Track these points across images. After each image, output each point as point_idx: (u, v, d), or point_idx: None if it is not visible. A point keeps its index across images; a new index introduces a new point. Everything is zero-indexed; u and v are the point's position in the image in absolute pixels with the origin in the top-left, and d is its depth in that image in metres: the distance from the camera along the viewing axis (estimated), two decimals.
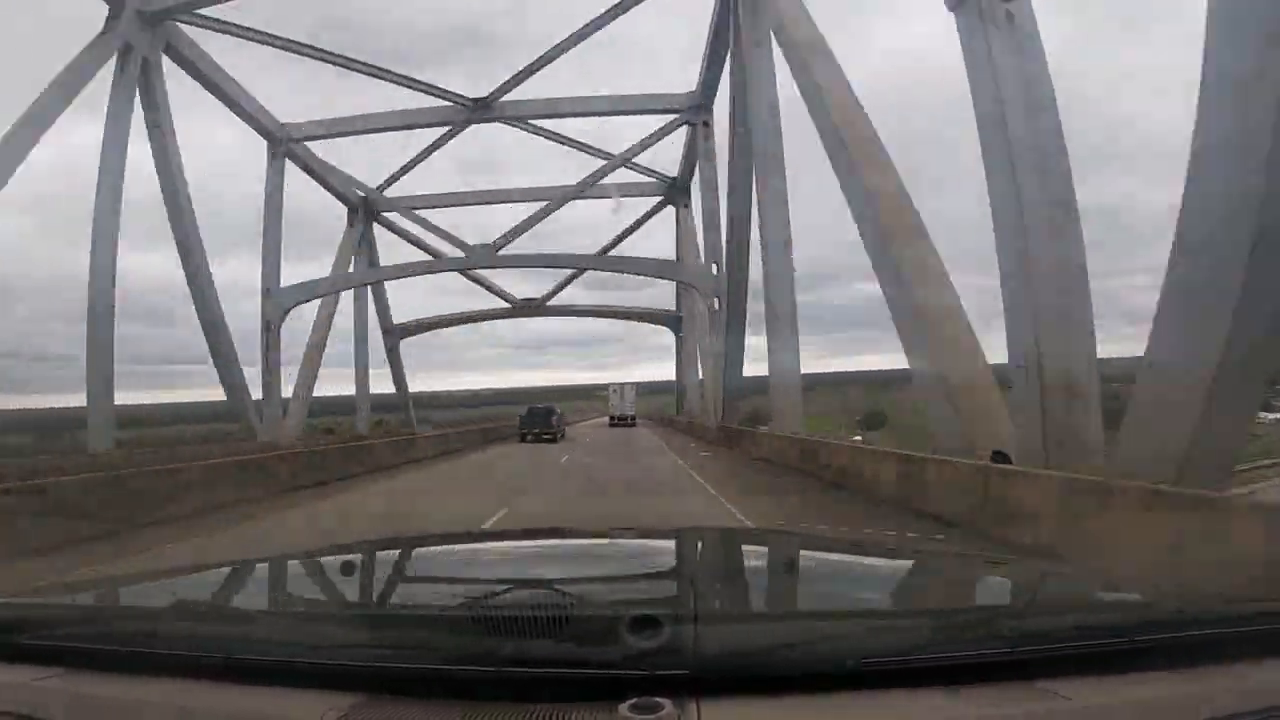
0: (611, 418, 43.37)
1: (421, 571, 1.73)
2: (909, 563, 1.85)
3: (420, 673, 0.97)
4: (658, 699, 0.87)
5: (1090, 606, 1.31)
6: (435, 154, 26.74)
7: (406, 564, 1.83)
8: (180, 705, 0.97)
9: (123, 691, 1.01)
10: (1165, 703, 0.92)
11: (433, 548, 2.05)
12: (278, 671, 1.00)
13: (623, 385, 44.39)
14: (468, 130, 25.64)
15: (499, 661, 0.94)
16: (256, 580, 1.69)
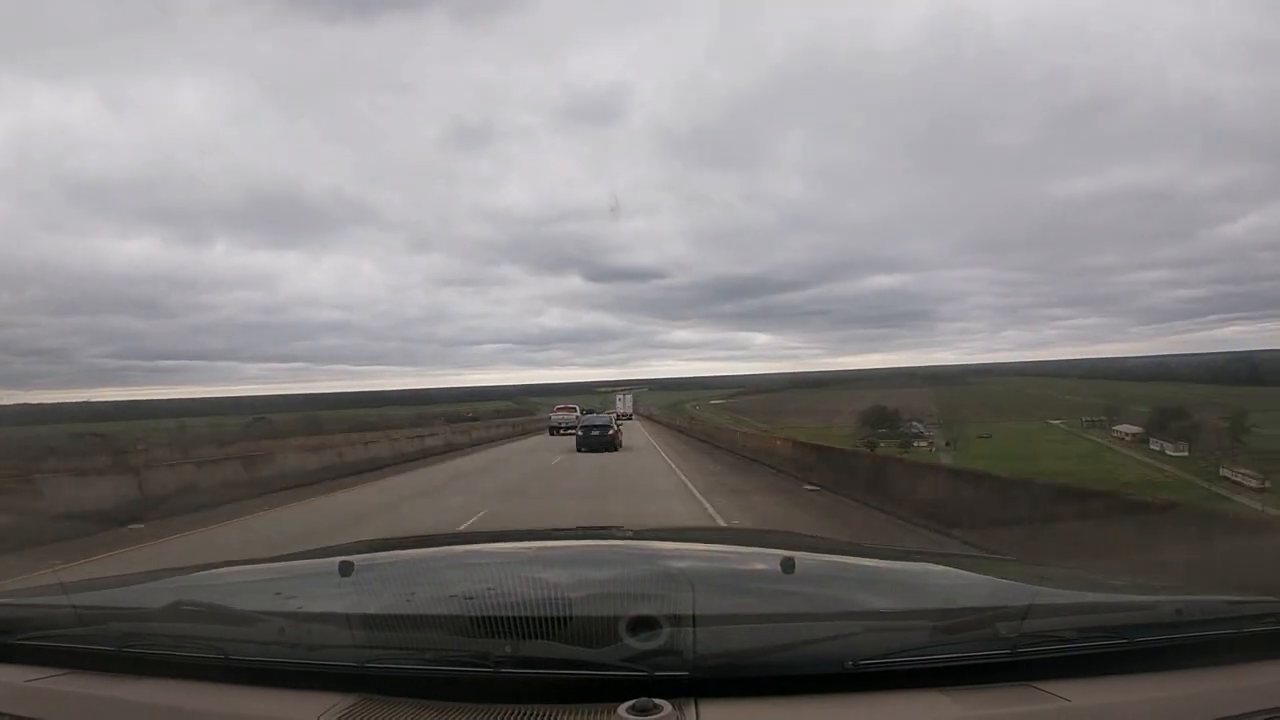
0: (618, 415, 64.12)
1: (419, 572, 1.72)
2: (908, 564, 1.85)
3: (417, 673, 0.97)
4: (656, 700, 0.87)
5: (1090, 607, 1.30)
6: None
7: (404, 564, 1.82)
8: (176, 706, 0.97)
9: (119, 692, 1.01)
10: (1166, 704, 0.92)
11: (430, 548, 2.04)
12: (274, 672, 1.00)
13: (626, 395, 67.20)
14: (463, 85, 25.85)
15: (496, 662, 0.94)
16: (253, 581, 1.68)
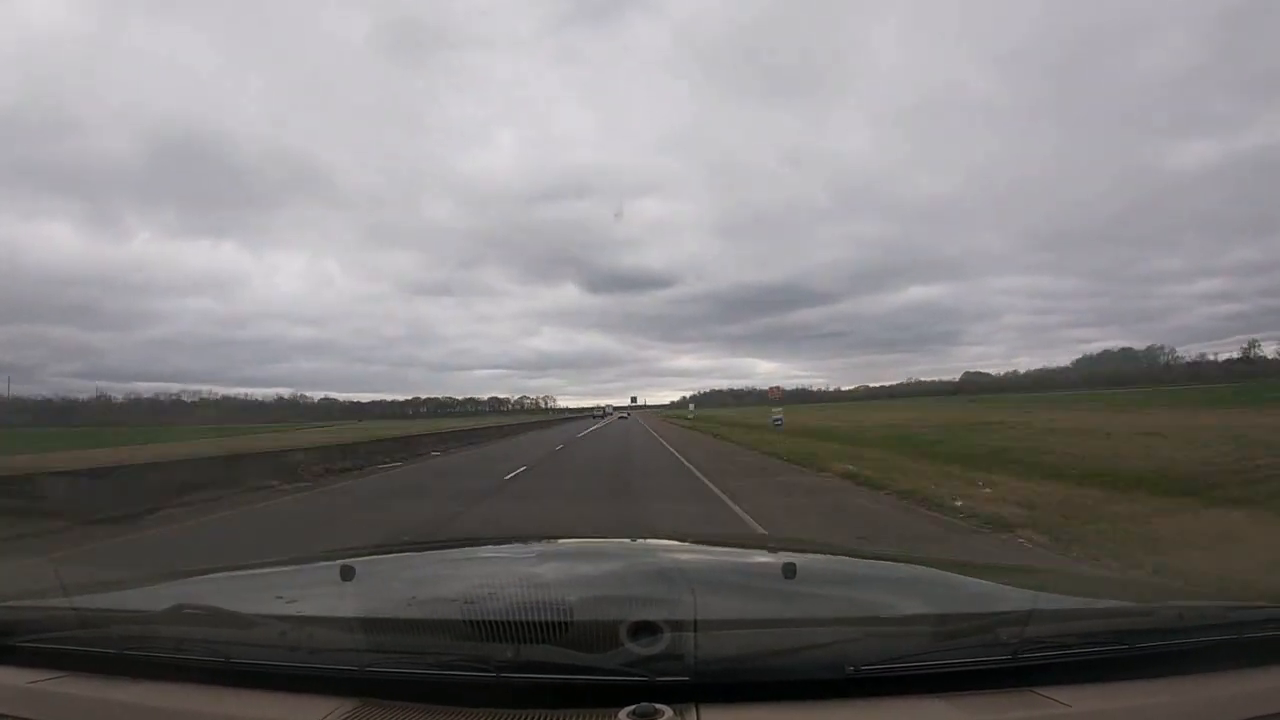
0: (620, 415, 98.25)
1: (420, 576, 1.72)
2: (909, 570, 1.85)
3: (418, 677, 0.97)
4: (658, 705, 0.87)
5: (1091, 613, 1.30)
6: None
7: (404, 568, 1.82)
8: (177, 709, 0.97)
9: (120, 695, 1.01)
10: (1167, 710, 0.92)
11: (431, 552, 2.04)
12: (275, 675, 1.00)
13: (629, 412, 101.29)
14: None
15: (497, 667, 0.94)
16: (254, 584, 1.68)
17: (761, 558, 2.02)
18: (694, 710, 0.89)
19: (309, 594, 1.51)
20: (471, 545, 2.31)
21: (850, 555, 2.12)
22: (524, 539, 2.39)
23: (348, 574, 1.51)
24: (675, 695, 0.90)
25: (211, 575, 1.71)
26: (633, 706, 0.87)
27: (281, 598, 1.44)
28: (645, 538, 2.29)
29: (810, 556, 1.92)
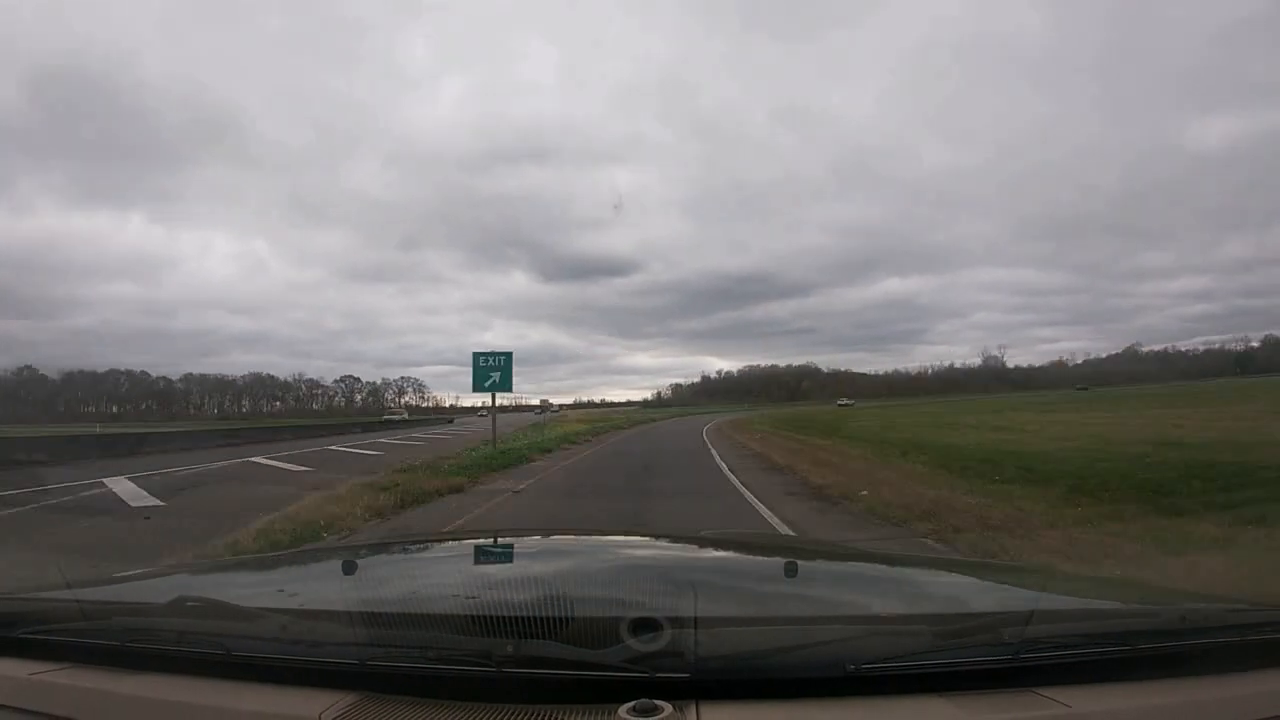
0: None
1: (422, 570, 1.73)
2: (911, 569, 1.85)
3: (419, 671, 0.97)
4: (657, 702, 0.87)
5: (1093, 614, 1.30)
6: None
7: (407, 562, 1.83)
8: (179, 701, 0.98)
9: (122, 687, 1.02)
10: (1169, 711, 0.92)
11: (433, 547, 2.05)
12: (276, 668, 1.00)
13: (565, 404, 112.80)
14: None
15: (498, 662, 0.94)
16: (256, 577, 1.69)
17: (762, 556, 2.02)
18: (694, 707, 0.89)
19: (310, 587, 1.52)
20: (472, 540, 2.32)
21: (852, 555, 2.12)
22: (527, 534, 2.39)
23: (349, 568, 1.52)
24: (675, 692, 0.90)
25: (214, 567, 1.72)
26: (633, 703, 0.87)
27: (283, 591, 1.44)
28: (647, 535, 2.29)
29: (811, 556, 1.92)
